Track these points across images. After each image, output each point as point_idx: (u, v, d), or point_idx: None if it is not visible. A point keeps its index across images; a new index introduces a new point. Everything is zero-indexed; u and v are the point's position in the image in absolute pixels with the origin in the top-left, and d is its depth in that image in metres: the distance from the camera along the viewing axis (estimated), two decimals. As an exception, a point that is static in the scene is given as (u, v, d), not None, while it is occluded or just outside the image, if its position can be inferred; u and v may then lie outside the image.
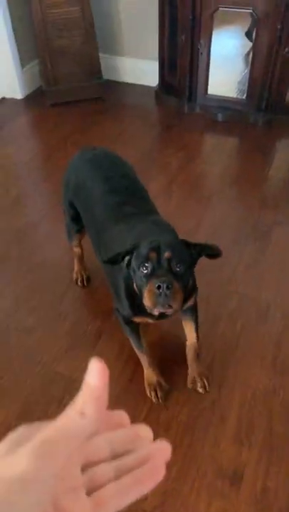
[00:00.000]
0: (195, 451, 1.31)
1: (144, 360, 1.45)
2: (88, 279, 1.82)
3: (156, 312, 1.16)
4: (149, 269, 1.13)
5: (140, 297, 1.19)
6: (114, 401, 1.51)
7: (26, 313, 1.72)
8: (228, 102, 2.82)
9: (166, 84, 2.99)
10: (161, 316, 1.31)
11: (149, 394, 1.43)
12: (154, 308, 1.13)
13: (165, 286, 1.08)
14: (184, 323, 1.50)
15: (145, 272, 1.13)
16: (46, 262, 1.93)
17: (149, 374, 1.44)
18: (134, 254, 1.18)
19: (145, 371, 1.45)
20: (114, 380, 1.47)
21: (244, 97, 2.74)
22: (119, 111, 2.98)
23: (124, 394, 1.45)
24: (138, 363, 1.47)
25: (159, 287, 1.08)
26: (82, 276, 1.81)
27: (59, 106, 3.00)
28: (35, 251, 2.00)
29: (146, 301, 1.13)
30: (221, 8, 2.47)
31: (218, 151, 2.61)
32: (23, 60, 3.06)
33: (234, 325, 1.65)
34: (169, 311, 1.15)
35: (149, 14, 2.85)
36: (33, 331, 1.66)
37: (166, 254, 1.13)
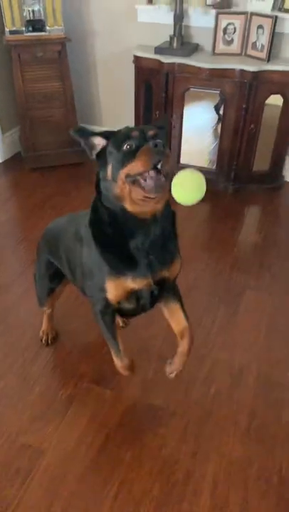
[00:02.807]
0: (168, 530, 1.24)
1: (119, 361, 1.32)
2: (53, 339, 1.82)
3: (149, 183, 0.99)
4: (133, 146, 0.99)
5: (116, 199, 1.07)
6: (82, 474, 1.43)
7: (-6, 378, 1.66)
8: (200, 171, 2.97)
9: (141, 153, 3.15)
10: (144, 271, 1.16)
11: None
12: (148, 167, 0.97)
13: (161, 143, 0.96)
14: (168, 312, 1.33)
15: (129, 149, 0.99)
16: (18, 324, 1.90)
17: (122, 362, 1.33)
18: (110, 142, 1.04)
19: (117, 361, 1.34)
20: (83, 451, 1.41)
21: (214, 167, 2.92)
22: (96, 176, 3.10)
23: (95, 466, 1.38)
24: (108, 435, 1.41)
25: (155, 145, 0.95)
26: (47, 336, 1.82)
27: (38, 170, 3.10)
28: (8, 313, 1.96)
29: (140, 164, 0.97)
30: (192, 89, 2.69)
31: (190, 217, 2.71)
32: (4, 126, 3.20)
33: (208, 390, 1.63)
34: (162, 180, 1.00)
35: (126, 89, 3.07)
36: (0, 398, 1.59)
37: (151, 132, 1.01)
